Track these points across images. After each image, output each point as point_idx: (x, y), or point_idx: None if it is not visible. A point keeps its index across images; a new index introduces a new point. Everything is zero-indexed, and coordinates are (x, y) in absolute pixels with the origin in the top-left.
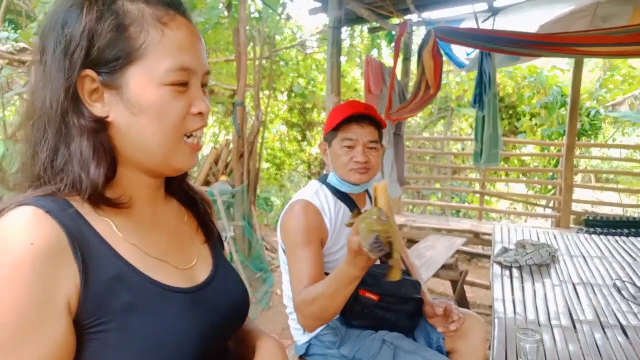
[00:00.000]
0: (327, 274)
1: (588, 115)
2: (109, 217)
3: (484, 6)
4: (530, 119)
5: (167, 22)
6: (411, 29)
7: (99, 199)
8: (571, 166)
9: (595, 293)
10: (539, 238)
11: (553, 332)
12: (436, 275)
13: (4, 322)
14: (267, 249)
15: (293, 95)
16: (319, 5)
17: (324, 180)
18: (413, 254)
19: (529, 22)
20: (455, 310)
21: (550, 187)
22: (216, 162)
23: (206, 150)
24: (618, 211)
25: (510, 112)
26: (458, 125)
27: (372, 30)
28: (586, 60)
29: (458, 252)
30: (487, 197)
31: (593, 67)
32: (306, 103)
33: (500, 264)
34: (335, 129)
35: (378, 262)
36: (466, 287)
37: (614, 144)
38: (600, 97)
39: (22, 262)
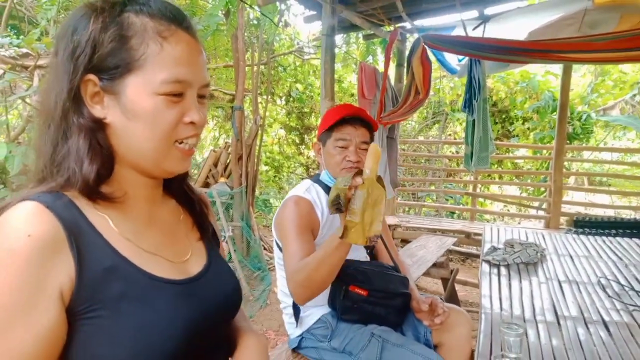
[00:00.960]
0: None
1: (579, 119)
2: (105, 213)
3: (474, 14)
4: (523, 123)
5: (167, 37)
6: (404, 36)
7: (92, 193)
8: (560, 168)
9: (580, 290)
10: (527, 238)
11: (537, 327)
12: (427, 274)
13: None
14: (264, 248)
15: (291, 99)
16: (314, 13)
17: (315, 179)
18: (405, 253)
19: (518, 29)
20: (440, 305)
21: (542, 189)
22: (215, 165)
23: (206, 153)
24: (610, 213)
25: (503, 116)
26: (452, 129)
27: (367, 37)
28: (578, 65)
29: (452, 252)
30: (480, 199)
31: (584, 72)
32: (304, 107)
33: (488, 262)
34: (329, 130)
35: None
36: (459, 286)
37: (605, 147)
38: (591, 101)
39: (18, 252)
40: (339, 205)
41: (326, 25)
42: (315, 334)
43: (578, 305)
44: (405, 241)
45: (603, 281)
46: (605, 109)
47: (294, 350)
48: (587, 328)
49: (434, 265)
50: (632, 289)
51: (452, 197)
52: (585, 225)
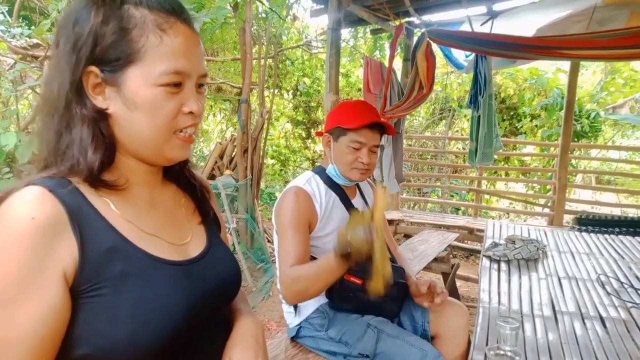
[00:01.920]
0: (313, 258)
1: (588, 117)
2: (107, 197)
3: (482, 9)
4: (531, 120)
5: (166, 29)
6: (411, 31)
7: (95, 180)
8: (565, 166)
9: (579, 287)
10: (529, 234)
11: (534, 322)
12: (428, 268)
13: (1, 284)
14: (268, 241)
15: (298, 93)
16: (321, 7)
17: (317, 170)
18: (406, 247)
19: (526, 25)
20: (439, 285)
21: (548, 186)
22: (221, 157)
23: (212, 145)
24: (616, 211)
25: (511, 113)
26: (459, 125)
27: (374, 32)
28: (588, 63)
29: (456, 248)
30: (486, 196)
31: (595, 70)
32: (311, 101)
33: (489, 257)
34: (346, 128)
35: None
36: (461, 282)
37: (612, 146)
38: (600, 100)
39: (22, 233)
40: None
41: (332, 18)
42: (312, 323)
43: (576, 301)
44: (408, 236)
45: (602, 278)
46: (615, 107)
47: (293, 339)
48: (584, 323)
49: (435, 259)
50: (631, 286)
51: (457, 194)
52: (589, 223)
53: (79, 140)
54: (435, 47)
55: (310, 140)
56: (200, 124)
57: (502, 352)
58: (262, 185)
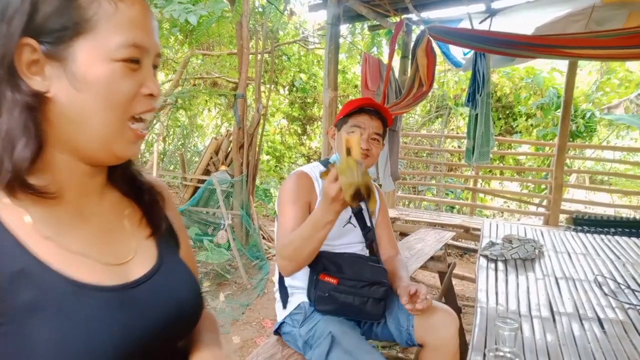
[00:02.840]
0: None
1: (583, 117)
2: (22, 206)
3: (481, 7)
4: (526, 119)
5: None
6: (410, 28)
7: (19, 185)
8: (561, 166)
9: (576, 287)
10: (525, 234)
11: (532, 322)
12: (424, 267)
13: None
14: (263, 237)
15: (294, 89)
16: (319, 1)
17: (324, 161)
18: (403, 246)
19: (525, 23)
20: (423, 292)
21: (543, 186)
22: (216, 152)
23: (207, 140)
24: (610, 212)
25: (507, 112)
26: (455, 124)
27: (372, 28)
28: (584, 63)
29: (450, 246)
30: (481, 195)
31: (590, 70)
32: (307, 97)
33: (486, 256)
34: (346, 116)
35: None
36: (456, 281)
37: (607, 146)
38: (595, 100)
39: None
40: (361, 197)
41: (331, 14)
42: (293, 319)
43: (574, 302)
44: (403, 234)
45: (599, 279)
46: (610, 108)
47: (276, 332)
48: (582, 324)
49: (432, 258)
50: (628, 287)
51: (452, 192)
52: (585, 223)
53: (4, 132)
54: (432, 43)
55: (305, 137)
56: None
57: (501, 354)
58: (257, 181)
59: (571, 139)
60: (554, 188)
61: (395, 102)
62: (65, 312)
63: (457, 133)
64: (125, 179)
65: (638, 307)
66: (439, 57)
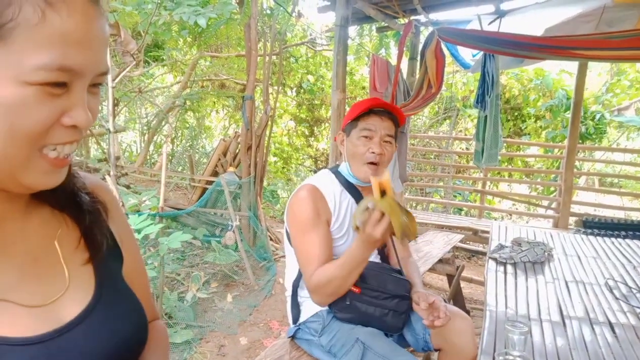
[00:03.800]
0: None
1: (593, 119)
2: None
3: (490, 8)
4: (535, 121)
5: (54, 2)
6: (418, 29)
7: None
8: (571, 168)
9: (586, 291)
10: (535, 237)
11: (542, 326)
12: (432, 270)
13: None
14: (271, 239)
15: (302, 91)
16: (327, 3)
17: (334, 169)
18: (411, 249)
19: (535, 24)
20: (442, 308)
21: (552, 188)
22: (224, 154)
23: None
24: (620, 214)
25: (516, 113)
26: (463, 125)
27: (380, 30)
28: (593, 64)
29: (458, 249)
30: (489, 197)
31: (600, 71)
32: (314, 99)
33: (495, 259)
34: (355, 120)
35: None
36: (464, 283)
37: (617, 148)
38: (605, 101)
39: None
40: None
41: (340, 15)
42: (309, 327)
43: (584, 306)
44: None
45: (610, 282)
46: (620, 109)
47: (291, 338)
48: (593, 329)
49: (440, 261)
50: None
51: (460, 194)
52: (595, 226)
53: None
54: (441, 44)
55: (313, 138)
56: (84, 135)
57: (511, 358)
58: (265, 183)
59: (581, 141)
60: (564, 190)
61: (403, 104)
62: None
63: (465, 135)
64: (59, 192)
65: None
66: (447, 58)
